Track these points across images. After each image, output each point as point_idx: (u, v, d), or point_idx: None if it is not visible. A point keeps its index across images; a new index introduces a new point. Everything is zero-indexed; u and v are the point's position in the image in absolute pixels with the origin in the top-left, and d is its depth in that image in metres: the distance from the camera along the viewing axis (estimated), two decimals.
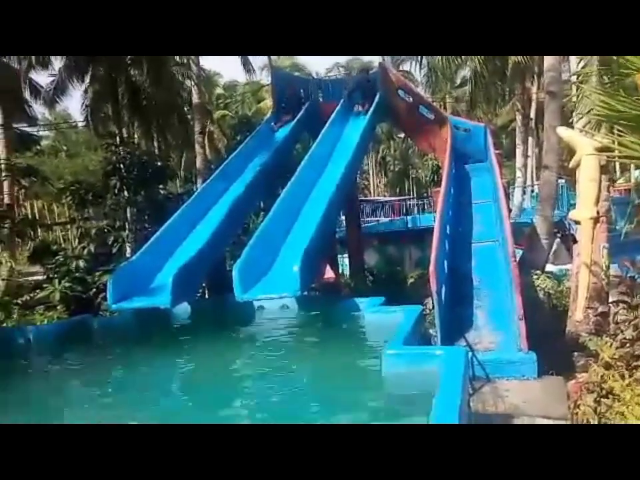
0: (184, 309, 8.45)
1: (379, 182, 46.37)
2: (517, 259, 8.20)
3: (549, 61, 10.24)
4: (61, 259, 11.70)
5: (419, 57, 15.24)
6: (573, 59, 7.58)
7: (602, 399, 4.38)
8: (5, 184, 14.69)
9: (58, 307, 10.20)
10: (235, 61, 20.52)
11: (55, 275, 11.09)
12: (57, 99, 20.51)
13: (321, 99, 14.18)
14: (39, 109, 23.68)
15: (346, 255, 14.31)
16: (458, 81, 28.30)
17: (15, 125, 19.71)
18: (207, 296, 11.35)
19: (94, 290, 10.63)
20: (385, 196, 38.24)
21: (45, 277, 11.98)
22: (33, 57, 17.82)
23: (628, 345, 4.64)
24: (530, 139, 23.20)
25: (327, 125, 11.84)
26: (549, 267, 10.92)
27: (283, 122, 12.98)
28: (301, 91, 14.13)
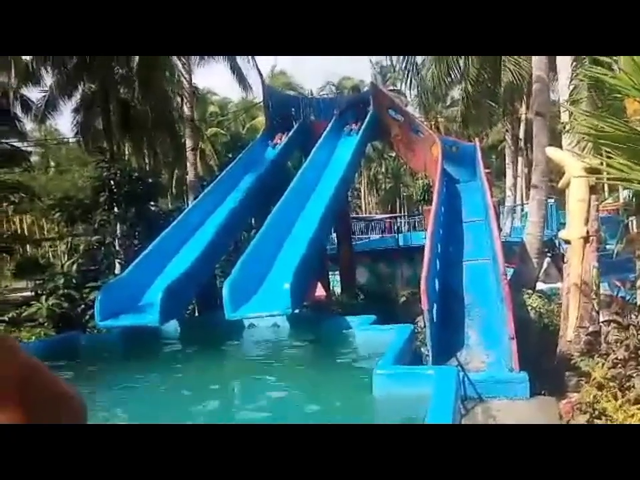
0: (173, 326, 8.37)
1: (371, 200, 46.56)
2: (508, 278, 8.21)
3: (537, 82, 10.37)
4: (49, 276, 11.58)
5: (409, 77, 15.34)
6: (562, 80, 7.67)
7: (595, 420, 4.35)
8: None
9: (45, 324, 10.05)
10: (229, 78, 20.63)
11: (43, 292, 10.95)
12: (48, 115, 20.48)
13: (312, 118, 14.27)
14: (29, 125, 23.61)
15: (337, 273, 14.29)
16: (448, 101, 28.62)
17: (4, 141, 19.63)
18: (196, 313, 11.25)
19: (82, 307, 10.50)
20: (376, 214, 38.37)
21: (33, 293, 11.83)
22: (24, 72, 17.84)
23: (620, 365, 4.62)
24: (520, 158, 23.42)
25: (319, 143, 11.90)
26: (540, 286, 10.94)
27: (278, 139, 13.06)
28: (293, 109, 14.22)
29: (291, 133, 13.02)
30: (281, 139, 13.05)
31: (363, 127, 12.66)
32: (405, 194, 43.96)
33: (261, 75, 19.29)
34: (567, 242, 6.71)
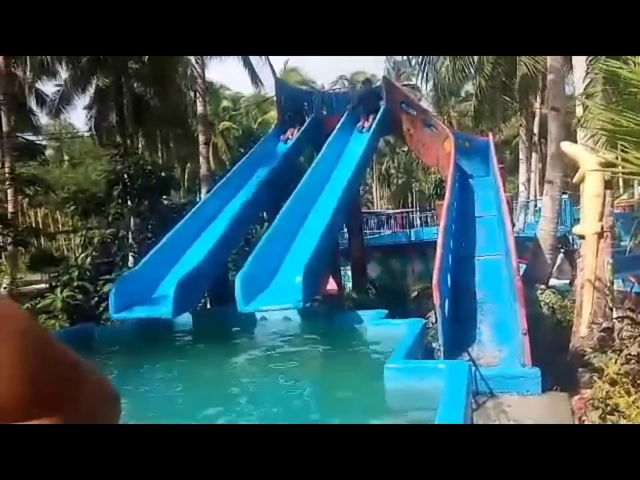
0: (186, 319, 8.43)
1: (382, 195, 46.43)
2: (521, 273, 8.17)
3: (552, 72, 10.27)
4: (63, 268, 11.69)
5: (424, 71, 15.28)
6: (577, 75, 7.60)
7: (607, 416, 4.33)
8: (9, 192, 14.73)
9: (60, 316, 10.15)
10: (242, 74, 20.65)
11: (57, 284, 11.06)
12: (62, 109, 20.67)
13: (324, 112, 14.25)
14: (43, 119, 23.85)
15: (349, 267, 14.28)
16: (462, 95, 28.43)
17: (19, 134, 19.85)
18: (208, 306, 11.31)
19: (96, 299, 10.59)
20: (388, 209, 38.24)
21: (47, 285, 11.96)
22: (39, 67, 18.03)
23: (633, 361, 4.59)
24: (534, 153, 23.22)
25: (331, 137, 11.88)
26: (552, 282, 10.87)
27: (290, 134, 13.06)
28: (305, 104, 14.20)
29: (302, 128, 13.01)
30: (292, 134, 13.04)
31: (376, 121, 12.62)
32: (416, 189, 43.78)
33: (273, 69, 19.29)
34: (581, 237, 6.67)
